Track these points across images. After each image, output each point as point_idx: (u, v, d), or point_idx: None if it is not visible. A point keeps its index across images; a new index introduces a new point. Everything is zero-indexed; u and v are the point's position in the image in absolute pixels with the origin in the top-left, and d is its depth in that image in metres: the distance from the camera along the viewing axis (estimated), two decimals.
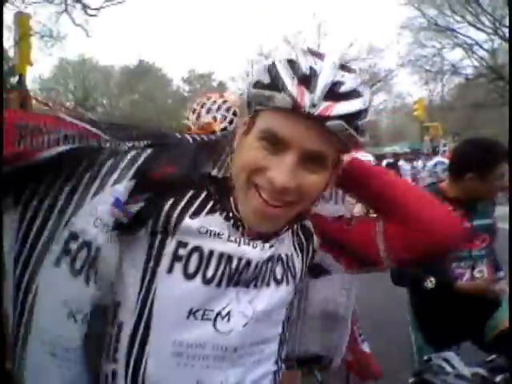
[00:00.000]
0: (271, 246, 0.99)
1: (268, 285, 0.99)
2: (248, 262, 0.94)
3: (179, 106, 38.14)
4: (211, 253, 0.92)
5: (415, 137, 27.85)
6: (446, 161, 8.01)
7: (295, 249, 1.07)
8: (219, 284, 0.93)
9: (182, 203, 0.93)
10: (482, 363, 2.26)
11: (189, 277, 0.91)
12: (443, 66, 26.94)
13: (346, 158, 1.02)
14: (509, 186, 2.37)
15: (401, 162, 12.72)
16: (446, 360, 1.92)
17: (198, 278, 0.91)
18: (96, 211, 0.87)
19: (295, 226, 1.08)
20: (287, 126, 0.87)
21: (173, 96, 43.01)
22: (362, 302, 5.47)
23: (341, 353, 1.40)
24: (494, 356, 2.34)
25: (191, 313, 0.90)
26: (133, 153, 0.93)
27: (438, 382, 1.90)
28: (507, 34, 21.90)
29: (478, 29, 24.34)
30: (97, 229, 0.86)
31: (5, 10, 13.77)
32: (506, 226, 3.72)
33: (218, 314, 0.92)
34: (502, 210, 4.07)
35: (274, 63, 0.89)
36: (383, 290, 4.52)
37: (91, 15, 18.55)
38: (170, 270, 0.90)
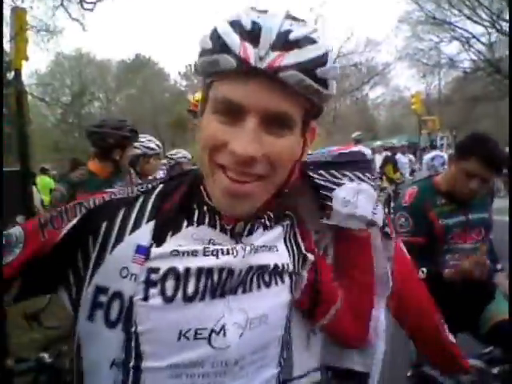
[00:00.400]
0: (256, 251, 0.90)
1: (258, 287, 0.91)
2: (231, 271, 0.86)
3: (176, 100, 38.01)
4: (187, 270, 0.84)
5: (413, 130, 27.81)
6: (444, 154, 8.05)
7: (287, 243, 0.98)
8: (203, 298, 0.84)
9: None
10: (479, 355, 2.26)
11: (168, 300, 0.83)
12: (440, 59, 26.91)
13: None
14: (509, 182, 2.38)
15: (398, 156, 12.70)
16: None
17: (179, 298, 0.83)
18: (120, 262, 0.85)
19: (291, 222, 1.00)
20: (238, 88, 0.78)
21: (170, 90, 42.88)
22: None
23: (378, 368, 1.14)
24: (490, 348, 2.35)
25: (181, 334, 0.83)
26: (142, 196, 0.92)
27: (436, 373, 1.90)
28: (505, 28, 21.87)
29: (476, 22, 24.27)
30: (125, 279, 0.84)
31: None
32: (506, 218, 3.73)
33: (212, 331, 0.84)
34: (502, 203, 4.08)
35: (215, 27, 0.81)
36: None
37: (87, 9, 18.43)
38: (146, 298, 0.83)
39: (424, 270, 2.30)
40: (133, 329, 0.82)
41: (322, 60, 0.80)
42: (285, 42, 0.77)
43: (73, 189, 2.93)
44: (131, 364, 0.82)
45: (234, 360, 0.86)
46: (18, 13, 8.76)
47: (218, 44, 0.79)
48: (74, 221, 0.88)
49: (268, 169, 0.83)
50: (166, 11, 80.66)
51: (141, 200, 0.91)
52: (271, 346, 0.94)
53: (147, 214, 0.89)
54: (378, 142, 15.42)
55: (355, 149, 1.09)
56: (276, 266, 0.93)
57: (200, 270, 0.84)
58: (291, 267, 0.96)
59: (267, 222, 0.95)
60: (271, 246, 0.94)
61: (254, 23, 0.78)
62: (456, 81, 29.54)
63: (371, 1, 64.93)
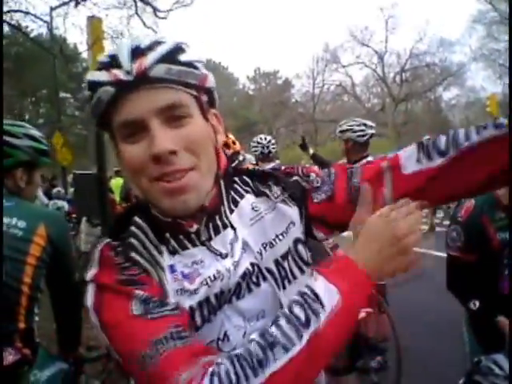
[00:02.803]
0: (237, 265, 0.97)
1: (250, 290, 0.99)
2: (222, 292, 0.95)
3: (244, 104, 38.51)
4: (191, 308, 0.93)
5: None
6: None
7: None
8: (209, 321, 0.94)
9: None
10: None
11: None
12: None
13: None
14: (509, 189, 2.26)
15: None
16: (495, 362, 1.90)
17: (192, 330, 0.91)
18: (168, 288, 0.92)
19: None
20: (128, 107, 0.88)
21: (238, 94, 43.51)
22: (413, 303, 5.43)
23: None
24: None
25: None
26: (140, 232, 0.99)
27: (487, 383, 1.88)
28: None
29: None
30: (181, 296, 0.92)
31: (77, 13, 14.44)
32: None
33: (218, 339, 0.94)
34: None
35: (86, 79, 0.93)
36: (434, 291, 4.45)
37: (161, 18, 19.13)
38: None
39: (476, 303, 2.24)
40: None
41: (178, 49, 0.91)
42: (139, 52, 0.88)
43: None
44: None
45: None
46: (94, 22, 9.04)
47: (93, 86, 0.90)
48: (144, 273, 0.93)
49: (192, 158, 0.91)
50: (235, 16, 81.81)
51: (138, 231, 0.99)
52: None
53: (156, 239, 0.98)
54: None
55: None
56: (252, 264, 1.00)
57: (200, 303, 0.94)
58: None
59: (226, 220, 1.01)
60: (243, 247, 1.00)
61: (110, 56, 0.91)
62: None
63: (443, 0, 62.78)
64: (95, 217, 7.40)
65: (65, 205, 10.30)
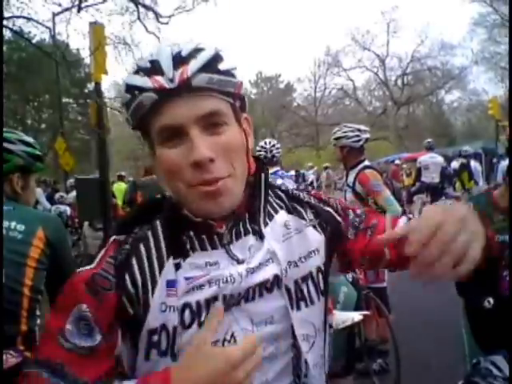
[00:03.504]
0: (252, 272, 0.99)
1: (261, 295, 1.00)
2: (231, 295, 0.97)
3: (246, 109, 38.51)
4: (198, 303, 0.95)
5: (491, 136, 26.61)
6: None
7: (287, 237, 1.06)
8: None
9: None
10: None
11: (187, 327, 0.95)
12: None
13: None
14: (509, 188, 2.27)
15: (473, 163, 12.17)
16: (494, 363, 1.91)
17: (195, 325, 0.95)
18: (159, 301, 0.95)
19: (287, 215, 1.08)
20: (169, 113, 0.90)
21: None
22: (413, 305, 5.42)
23: None
24: None
25: None
26: (150, 232, 1.02)
27: None
28: None
29: None
30: (165, 312, 0.94)
31: (79, 19, 14.50)
32: None
33: (224, 339, 0.96)
34: None
35: (124, 82, 0.95)
36: (435, 294, 4.46)
37: (163, 23, 19.23)
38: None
39: (491, 300, 2.26)
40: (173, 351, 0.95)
41: (217, 57, 0.94)
42: (181, 60, 0.90)
43: (135, 190, 3.14)
44: None
45: None
46: (96, 28, 9.05)
47: (134, 90, 0.92)
48: (114, 279, 0.96)
49: (229, 166, 0.94)
50: (235, 21, 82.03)
51: (151, 238, 1.01)
52: (281, 340, 1.02)
53: (164, 251, 0.99)
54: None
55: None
56: (276, 276, 1.02)
57: (207, 301, 0.96)
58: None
59: (253, 227, 1.03)
60: (267, 260, 1.02)
61: (150, 61, 0.92)
62: None
63: (444, 3, 62.86)
64: (97, 221, 7.43)
65: (67, 209, 10.33)
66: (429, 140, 12.11)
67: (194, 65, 0.90)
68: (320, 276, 1.08)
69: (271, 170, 4.38)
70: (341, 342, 2.94)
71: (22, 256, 1.85)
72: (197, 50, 0.93)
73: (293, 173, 15.38)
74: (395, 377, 3.45)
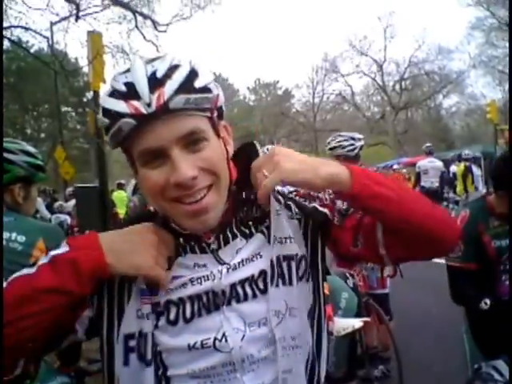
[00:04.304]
0: (234, 269, 1.02)
1: (254, 296, 1.03)
2: (214, 292, 1.00)
3: (245, 115, 38.67)
4: (181, 299, 1.00)
5: (490, 140, 26.68)
6: None
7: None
8: (200, 315, 1.00)
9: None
10: None
11: (172, 323, 1.00)
12: None
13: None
14: (509, 190, 2.27)
15: (473, 167, 12.16)
16: (495, 368, 1.91)
17: (181, 321, 1.00)
18: (134, 307, 1.00)
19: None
20: (149, 137, 0.91)
21: (238, 106, 43.66)
22: (416, 311, 5.38)
23: None
24: None
25: (190, 347, 0.98)
26: None
27: None
28: None
29: None
30: (140, 319, 0.99)
31: (77, 28, 14.54)
32: None
33: (215, 339, 0.99)
34: None
35: (102, 106, 0.95)
36: (437, 299, 4.46)
37: (161, 31, 19.32)
38: (157, 326, 0.99)
39: (487, 301, 2.25)
40: (155, 349, 0.99)
41: (193, 74, 0.94)
42: (156, 82, 0.90)
43: (145, 200, 3.15)
44: (160, 372, 1.00)
45: (240, 359, 1.00)
46: (94, 37, 9.08)
47: (111, 116, 0.92)
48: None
49: (211, 177, 0.97)
50: (233, 28, 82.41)
51: None
52: (277, 343, 1.02)
53: None
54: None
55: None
56: (263, 271, 1.03)
57: (191, 297, 1.00)
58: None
59: (241, 230, 1.06)
60: (254, 255, 1.05)
61: (125, 84, 0.92)
62: None
63: (441, 8, 63.17)
64: (98, 230, 7.42)
65: (67, 218, 10.33)
66: (428, 145, 12.14)
67: (170, 86, 0.90)
68: (303, 262, 1.08)
69: None
70: (342, 349, 2.94)
71: (22, 267, 1.84)
72: (171, 69, 0.93)
73: None
74: (398, 383, 3.44)
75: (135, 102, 0.90)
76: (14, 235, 1.87)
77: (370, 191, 0.97)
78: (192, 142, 0.94)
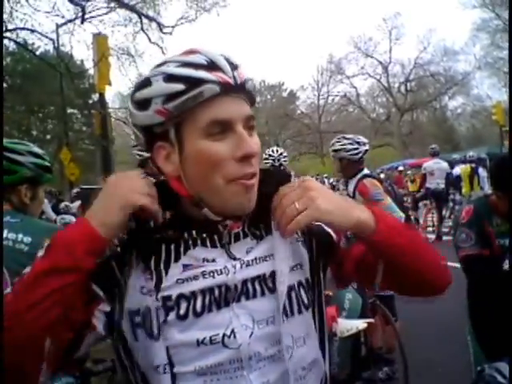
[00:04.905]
0: (248, 265, 1.03)
1: (263, 294, 1.03)
2: (227, 287, 1.00)
3: None
4: (193, 293, 0.99)
5: (496, 141, 26.58)
6: None
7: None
8: (210, 310, 0.99)
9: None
10: None
11: (182, 318, 0.98)
12: None
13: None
14: (509, 190, 2.27)
15: (479, 169, 12.10)
16: (498, 370, 1.91)
17: (191, 315, 0.98)
18: (136, 284, 1.00)
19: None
20: (222, 108, 0.95)
21: None
22: (421, 314, 5.38)
23: None
24: None
25: (199, 342, 0.98)
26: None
27: None
28: None
29: None
30: (145, 295, 0.99)
31: (82, 30, 14.62)
32: None
33: (224, 335, 0.99)
34: None
35: (170, 73, 0.95)
36: (442, 301, 4.42)
37: (166, 33, 19.37)
38: (165, 320, 0.98)
39: (507, 261, 2.30)
40: (165, 343, 0.98)
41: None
42: (231, 64, 0.98)
43: None
44: (167, 369, 0.99)
45: (247, 356, 1.00)
46: (100, 39, 9.12)
47: (190, 82, 0.94)
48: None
49: (256, 165, 1.01)
50: (238, 31, 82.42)
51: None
52: (284, 339, 1.02)
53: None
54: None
55: None
56: (274, 272, 1.04)
57: (203, 291, 1.00)
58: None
59: (251, 230, 1.08)
60: (267, 256, 1.05)
61: (206, 59, 0.96)
62: None
63: (446, 9, 63.00)
64: None
65: (72, 219, 10.33)
66: (433, 146, 12.09)
67: (243, 71, 0.99)
68: (302, 290, 1.08)
69: None
70: (347, 350, 2.94)
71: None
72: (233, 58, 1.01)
73: None
74: None
75: (220, 73, 0.95)
76: (20, 236, 1.88)
77: (390, 242, 1.01)
78: (249, 126, 1.00)
